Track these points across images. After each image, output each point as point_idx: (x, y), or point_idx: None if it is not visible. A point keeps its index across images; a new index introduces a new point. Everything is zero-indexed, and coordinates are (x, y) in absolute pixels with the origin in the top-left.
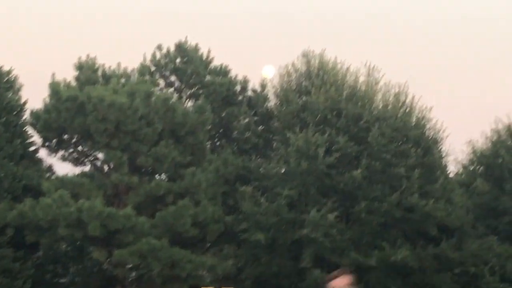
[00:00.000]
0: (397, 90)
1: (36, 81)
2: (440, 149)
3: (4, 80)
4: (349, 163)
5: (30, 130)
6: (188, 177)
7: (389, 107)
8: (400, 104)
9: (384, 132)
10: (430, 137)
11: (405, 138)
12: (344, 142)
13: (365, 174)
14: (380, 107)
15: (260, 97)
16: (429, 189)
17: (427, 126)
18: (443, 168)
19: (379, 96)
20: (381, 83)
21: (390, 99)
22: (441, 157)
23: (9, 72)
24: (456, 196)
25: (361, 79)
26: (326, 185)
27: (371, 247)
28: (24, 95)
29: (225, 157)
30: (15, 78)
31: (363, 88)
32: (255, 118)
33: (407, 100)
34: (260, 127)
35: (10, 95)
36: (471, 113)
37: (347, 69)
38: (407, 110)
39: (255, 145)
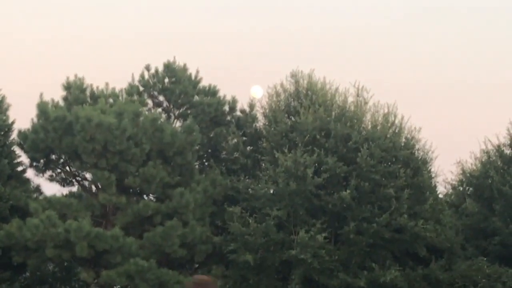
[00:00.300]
0: (386, 111)
1: (24, 101)
2: (430, 169)
3: None
4: (338, 184)
5: (17, 150)
6: (176, 198)
7: (378, 127)
8: (389, 125)
9: (373, 152)
10: (419, 158)
11: (394, 159)
12: (333, 162)
13: (354, 195)
14: (369, 127)
15: (248, 117)
16: (419, 210)
17: (416, 147)
18: (433, 189)
19: (368, 116)
20: (370, 104)
21: (379, 119)
22: (430, 178)
23: None
24: (445, 217)
25: (350, 99)
26: (315, 206)
27: (360, 268)
28: (12, 115)
29: (213, 178)
30: (3, 98)
31: (352, 108)
32: (244, 138)
33: (396, 121)
34: (249, 148)
35: None
36: (460, 134)
37: (336, 89)
38: (396, 131)
39: (244, 166)
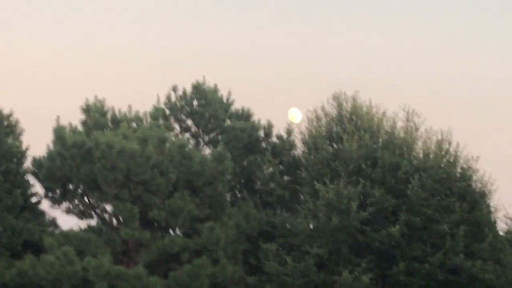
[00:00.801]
0: (439, 137)
1: (39, 126)
2: (488, 203)
3: (4, 125)
4: (385, 219)
5: (31, 179)
6: (206, 233)
7: (431, 156)
8: (443, 153)
9: (425, 184)
10: (477, 190)
11: (448, 191)
12: (380, 195)
13: (404, 231)
14: (421, 156)
15: (285, 144)
16: (476, 249)
17: (474, 178)
18: (492, 225)
19: (419, 144)
20: (422, 129)
21: (432, 147)
22: (489, 213)
23: (9, 116)
24: (506, 256)
25: (399, 124)
26: (359, 243)
27: None
28: (26, 140)
29: (246, 211)
30: (16, 122)
31: (401, 134)
32: (281, 167)
33: (451, 149)
34: (286, 178)
35: (10, 140)
36: None
37: (383, 113)
38: (450, 160)
39: (281, 198)
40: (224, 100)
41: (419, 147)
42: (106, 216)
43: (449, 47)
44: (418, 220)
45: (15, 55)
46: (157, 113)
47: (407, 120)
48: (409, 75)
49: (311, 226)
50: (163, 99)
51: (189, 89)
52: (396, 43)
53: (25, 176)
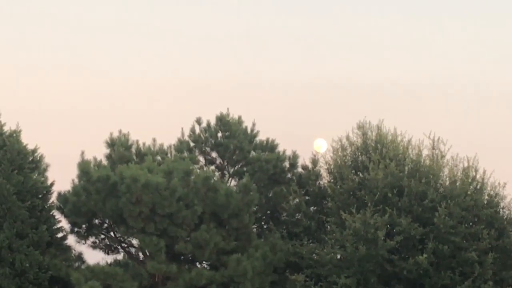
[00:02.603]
0: (466, 165)
1: (64, 161)
2: None
3: (29, 160)
4: (413, 247)
5: (57, 214)
6: (233, 265)
7: (457, 183)
8: (469, 180)
9: (452, 212)
10: (505, 217)
11: (476, 219)
12: (407, 223)
13: (432, 260)
14: (447, 183)
15: (311, 174)
16: (505, 276)
17: (501, 205)
18: None
19: (445, 171)
20: (448, 157)
21: (458, 174)
22: None
23: (34, 151)
24: None
25: (425, 152)
26: (387, 273)
27: None
28: (51, 176)
29: (273, 242)
30: (41, 157)
31: (427, 162)
32: (306, 197)
33: (478, 176)
34: (312, 208)
35: (35, 176)
36: None
37: (409, 141)
38: (477, 187)
39: (307, 228)
40: (249, 131)
41: (445, 174)
42: (133, 250)
43: (474, 72)
44: (446, 248)
45: (38, 90)
46: (181, 146)
47: (433, 148)
48: (434, 102)
49: (338, 256)
50: (187, 132)
51: (213, 121)
52: (419, 70)
53: (51, 212)
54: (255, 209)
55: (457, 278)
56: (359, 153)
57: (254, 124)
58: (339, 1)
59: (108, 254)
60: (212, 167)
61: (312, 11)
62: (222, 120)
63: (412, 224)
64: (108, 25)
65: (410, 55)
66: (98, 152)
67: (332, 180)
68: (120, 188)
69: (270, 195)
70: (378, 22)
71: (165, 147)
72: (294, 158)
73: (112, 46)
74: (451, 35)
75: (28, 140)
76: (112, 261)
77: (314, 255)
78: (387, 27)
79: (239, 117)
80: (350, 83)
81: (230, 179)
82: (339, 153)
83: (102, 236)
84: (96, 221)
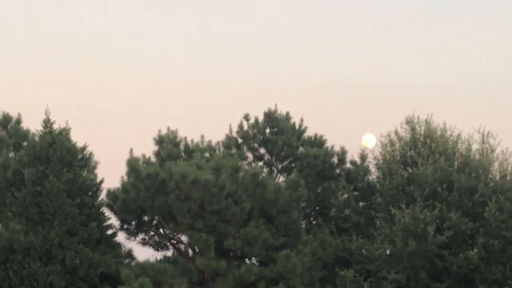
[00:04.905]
0: None
1: (113, 158)
2: None
3: (78, 158)
4: (463, 243)
5: (107, 211)
6: (282, 261)
7: (508, 178)
8: None
9: (503, 206)
10: None
11: None
12: (457, 218)
13: (483, 255)
14: (497, 178)
15: (360, 169)
16: None
17: None
18: None
19: (495, 165)
20: (498, 151)
21: (509, 169)
22: None
23: (83, 149)
24: None
25: (475, 146)
26: (438, 268)
27: None
28: (100, 173)
29: (322, 238)
30: (90, 155)
31: (477, 157)
32: (355, 193)
33: None
34: (361, 204)
35: (84, 174)
36: None
37: (458, 136)
38: None
39: (356, 224)
40: (297, 127)
41: (495, 169)
42: (182, 246)
43: None
44: (497, 243)
45: (87, 88)
46: (229, 142)
47: (483, 142)
48: (484, 97)
49: (387, 251)
50: (235, 129)
51: (261, 118)
52: (468, 65)
53: (100, 209)
54: (303, 205)
55: (508, 273)
56: (408, 148)
57: (302, 120)
58: None
59: (157, 250)
60: (260, 163)
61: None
62: (270, 116)
63: (462, 219)
64: (157, 24)
65: (460, 50)
66: (147, 150)
67: (381, 176)
68: (169, 185)
69: (319, 191)
70: (425, 18)
71: (213, 144)
72: (342, 153)
73: (159, 45)
74: (501, 29)
75: (77, 138)
76: (162, 257)
77: (363, 250)
78: (434, 23)
79: (287, 113)
80: (398, 79)
81: (279, 175)
82: (388, 148)
83: (152, 233)
84: (146, 218)
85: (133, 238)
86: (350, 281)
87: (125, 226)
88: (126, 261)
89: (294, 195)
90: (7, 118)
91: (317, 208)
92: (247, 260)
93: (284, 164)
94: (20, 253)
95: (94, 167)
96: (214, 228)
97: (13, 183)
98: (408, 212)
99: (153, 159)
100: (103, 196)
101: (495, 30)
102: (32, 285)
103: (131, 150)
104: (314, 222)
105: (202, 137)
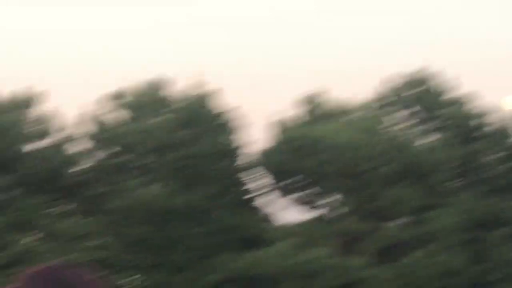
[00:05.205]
0: None
1: (259, 121)
2: None
3: (222, 121)
4: None
5: (253, 173)
6: (430, 222)
7: None
8: None
9: None
10: None
11: None
12: None
13: None
14: None
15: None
16: None
17: None
18: None
19: None
20: None
21: None
22: None
23: (228, 112)
24: None
25: None
26: None
27: None
28: (245, 136)
29: (472, 198)
30: (234, 118)
31: None
32: (506, 153)
33: None
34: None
35: (228, 137)
36: None
37: None
38: None
39: (507, 185)
40: (447, 88)
41: None
42: (330, 207)
43: None
44: None
45: (229, 53)
46: (379, 103)
47: None
48: None
49: None
50: (385, 89)
51: (410, 78)
52: None
53: (244, 172)
54: (453, 165)
55: None
56: None
57: (450, 81)
58: None
59: (305, 212)
60: (409, 124)
61: None
62: (419, 77)
63: None
64: None
65: None
66: (296, 112)
67: None
68: (318, 146)
69: (469, 151)
70: None
71: (361, 104)
72: (486, 114)
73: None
74: None
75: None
76: (310, 218)
77: None
78: None
79: (438, 73)
80: None
81: (428, 135)
82: None
83: (300, 194)
84: (295, 179)
85: (281, 199)
86: (500, 241)
87: (273, 187)
88: (272, 222)
89: (443, 156)
90: (158, 83)
91: (467, 168)
92: (394, 221)
93: (433, 124)
94: (174, 214)
95: (238, 130)
96: (363, 188)
97: (161, 146)
98: None
99: (302, 121)
100: (248, 158)
101: None
102: (176, 247)
103: (281, 112)
104: (463, 183)
105: (351, 98)
